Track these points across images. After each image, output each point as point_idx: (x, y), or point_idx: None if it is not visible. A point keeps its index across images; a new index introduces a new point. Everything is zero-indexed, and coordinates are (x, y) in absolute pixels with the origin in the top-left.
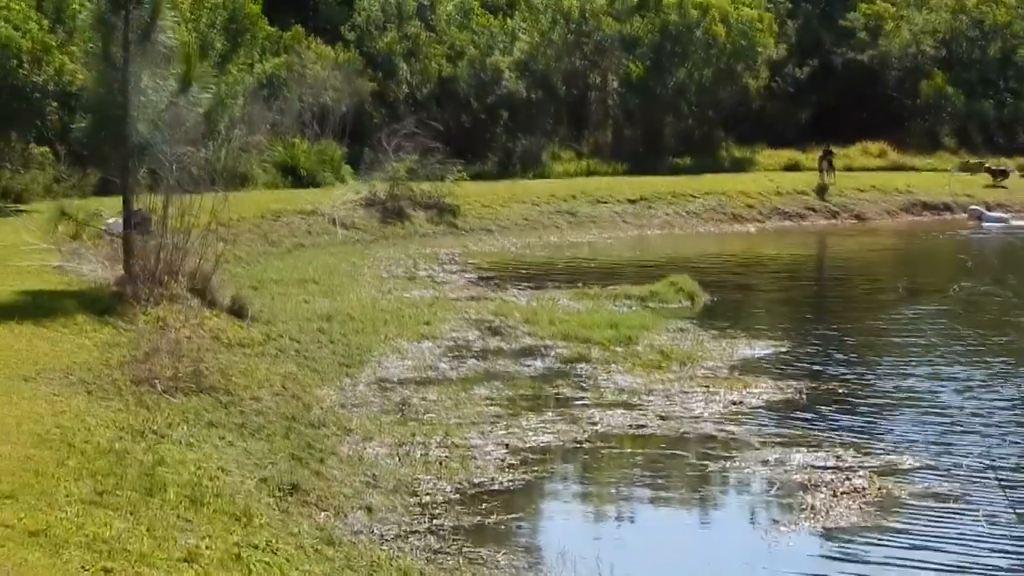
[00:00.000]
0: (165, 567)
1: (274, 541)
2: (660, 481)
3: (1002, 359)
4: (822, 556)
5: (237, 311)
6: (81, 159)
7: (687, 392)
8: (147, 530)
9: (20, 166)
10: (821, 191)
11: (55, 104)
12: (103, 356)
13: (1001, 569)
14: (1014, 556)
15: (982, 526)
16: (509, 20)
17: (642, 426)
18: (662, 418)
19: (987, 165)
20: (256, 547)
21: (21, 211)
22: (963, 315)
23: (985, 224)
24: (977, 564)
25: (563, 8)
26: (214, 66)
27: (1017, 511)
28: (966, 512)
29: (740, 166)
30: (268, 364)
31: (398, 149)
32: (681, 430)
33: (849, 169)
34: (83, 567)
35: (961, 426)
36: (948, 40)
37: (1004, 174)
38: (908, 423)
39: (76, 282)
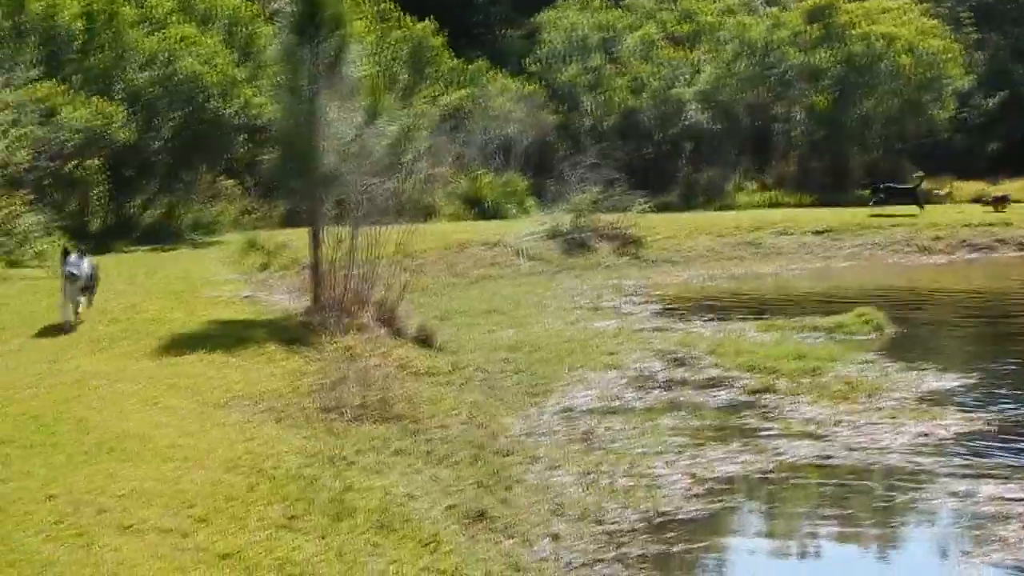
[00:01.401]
0: None
1: (461, 567)
2: (847, 512)
3: None
4: None
5: (424, 340)
6: (269, 191)
7: (874, 423)
8: (337, 554)
9: (209, 198)
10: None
11: (243, 137)
12: (292, 384)
13: None
14: None
15: None
16: (692, 52)
17: (829, 457)
18: (849, 449)
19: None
20: (443, 573)
21: (211, 242)
22: None
23: None
24: None
25: (748, 40)
26: (399, 98)
27: None
28: None
29: (928, 198)
30: (455, 393)
31: (581, 181)
32: (868, 461)
33: None
34: None
35: None
36: None
37: (1004, 201)
38: None
39: (265, 311)
